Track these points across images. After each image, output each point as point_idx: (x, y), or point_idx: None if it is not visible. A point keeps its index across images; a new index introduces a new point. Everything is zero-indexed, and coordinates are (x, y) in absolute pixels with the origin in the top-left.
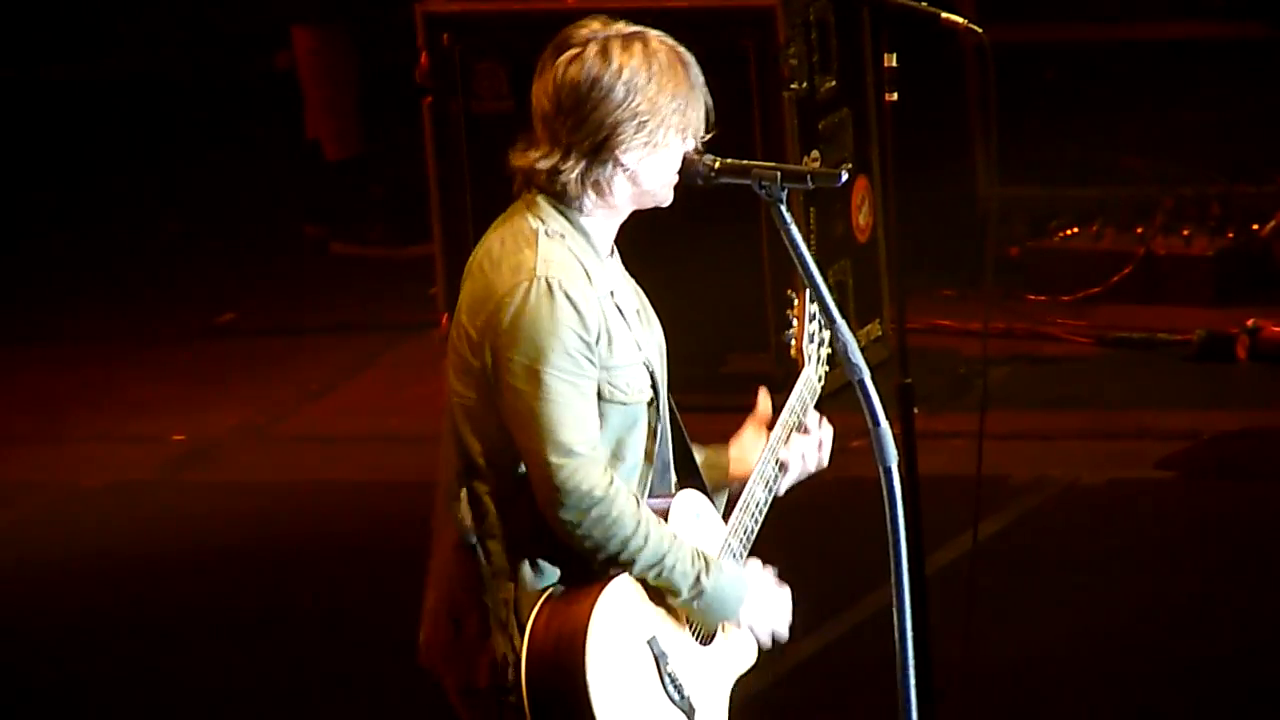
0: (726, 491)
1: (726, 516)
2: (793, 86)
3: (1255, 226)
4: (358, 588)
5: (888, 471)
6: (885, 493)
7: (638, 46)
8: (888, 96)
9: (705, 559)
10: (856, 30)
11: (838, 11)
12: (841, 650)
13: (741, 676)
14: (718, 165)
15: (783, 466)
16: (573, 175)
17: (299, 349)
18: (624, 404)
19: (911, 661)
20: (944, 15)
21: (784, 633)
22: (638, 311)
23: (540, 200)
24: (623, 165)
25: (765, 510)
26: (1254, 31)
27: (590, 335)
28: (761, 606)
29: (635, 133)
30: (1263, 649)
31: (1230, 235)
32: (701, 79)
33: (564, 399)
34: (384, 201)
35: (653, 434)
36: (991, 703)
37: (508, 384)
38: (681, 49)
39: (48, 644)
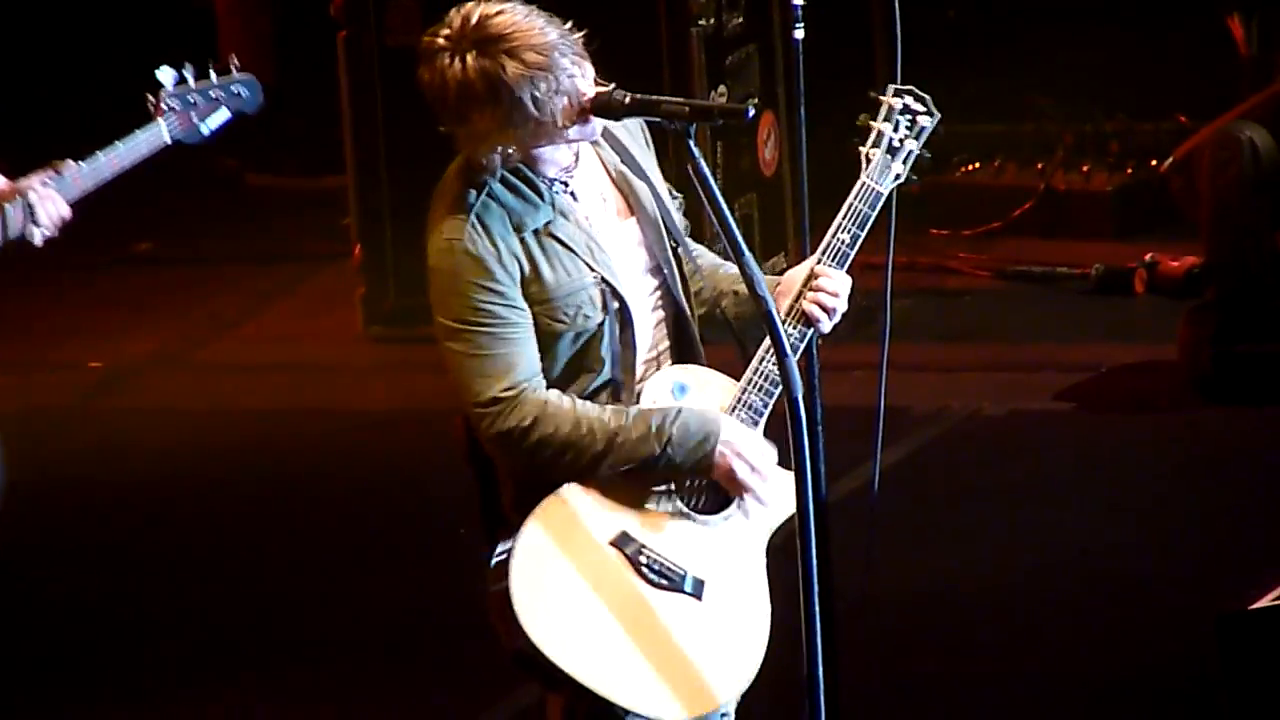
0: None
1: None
2: (700, 22)
3: (1154, 162)
4: (274, 514)
5: (794, 402)
6: (791, 423)
7: (486, 62)
8: (795, 33)
9: (656, 411)
10: None
11: None
12: None
13: (784, 525)
14: (628, 100)
15: (805, 319)
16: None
17: (215, 278)
18: (570, 331)
19: (816, 587)
20: None
21: (769, 473)
22: (621, 207)
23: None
24: (520, 142)
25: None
26: None
27: (502, 284)
28: (742, 440)
29: (516, 127)
30: (1157, 578)
31: (1129, 171)
32: (559, 37)
33: (482, 350)
34: (298, 133)
35: (625, 341)
36: (892, 629)
37: (440, 344)
38: (529, 26)
39: None
